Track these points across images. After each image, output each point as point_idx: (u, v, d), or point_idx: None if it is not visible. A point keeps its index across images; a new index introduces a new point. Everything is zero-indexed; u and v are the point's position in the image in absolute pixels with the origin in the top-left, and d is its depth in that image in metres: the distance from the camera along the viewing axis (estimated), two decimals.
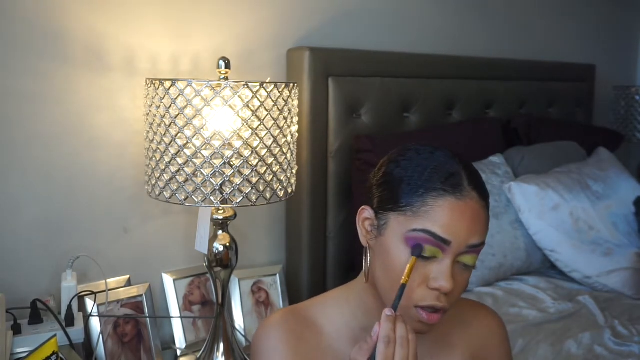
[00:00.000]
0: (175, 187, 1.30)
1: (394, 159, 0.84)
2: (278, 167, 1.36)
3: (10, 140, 1.38)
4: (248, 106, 1.28)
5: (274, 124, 1.32)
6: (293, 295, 1.81)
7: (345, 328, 0.89)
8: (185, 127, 1.26)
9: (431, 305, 0.78)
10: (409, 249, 0.78)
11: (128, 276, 1.57)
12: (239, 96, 1.27)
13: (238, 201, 1.30)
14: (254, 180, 1.31)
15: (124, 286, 1.55)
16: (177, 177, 1.29)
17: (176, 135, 1.27)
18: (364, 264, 0.87)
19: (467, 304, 0.98)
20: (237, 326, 1.70)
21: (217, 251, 1.44)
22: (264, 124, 1.30)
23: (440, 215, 0.77)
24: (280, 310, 0.93)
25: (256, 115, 1.29)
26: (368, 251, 0.86)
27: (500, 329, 0.97)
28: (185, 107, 1.26)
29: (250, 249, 1.77)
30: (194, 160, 1.27)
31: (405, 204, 0.79)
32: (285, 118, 1.35)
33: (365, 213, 0.86)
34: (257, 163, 1.31)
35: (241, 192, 1.30)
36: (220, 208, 1.42)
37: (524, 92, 2.47)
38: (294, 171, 1.44)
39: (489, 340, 0.94)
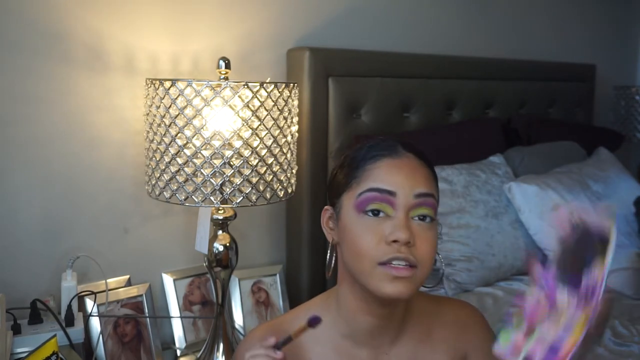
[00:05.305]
0: (175, 187, 1.30)
1: (340, 162, 0.91)
2: (278, 167, 1.36)
3: (10, 141, 1.38)
4: (248, 106, 1.28)
5: (274, 124, 1.32)
6: (293, 295, 1.81)
7: (325, 337, 0.90)
8: (185, 127, 1.26)
9: (394, 257, 0.79)
10: (362, 213, 0.81)
11: (128, 276, 1.57)
12: (239, 96, 1.27)
13: (238, 201, 1.30)
14: (254, 180, 1.31)
15: (124, 286, 1.55)
16: (177, 177, 1.29)
17: (176, 135, 1.27)
18: (327, 260, 0.91)
19: (444, 300, 1.01)
20: (237, 326, 1.70)
21: (217, 251, 1.44)
22: (264, 124, 1.30)
23: (380, 173, 0.83)
24: (262, 325, 0.95)
25: (256, 115, 1.29)
26: (335, 248, 0.90)
27: (476, 316, 0.99)
28: (185, 107, 1.26)
29: (250, 249, 1.77)
30: (194, 160, 1.27)
31: (351, 179, 0.85)
32: (285, 118, 1.35)
33: (327, 213, 0.91)
34: (257, 163, 1.31)
35: (241, 192, 1.30)
36: (220, 208, 1.42)
37: (524, 92, 2.47)
38: (294, 171, 1.44)
39: (469, 328, 0.96)
